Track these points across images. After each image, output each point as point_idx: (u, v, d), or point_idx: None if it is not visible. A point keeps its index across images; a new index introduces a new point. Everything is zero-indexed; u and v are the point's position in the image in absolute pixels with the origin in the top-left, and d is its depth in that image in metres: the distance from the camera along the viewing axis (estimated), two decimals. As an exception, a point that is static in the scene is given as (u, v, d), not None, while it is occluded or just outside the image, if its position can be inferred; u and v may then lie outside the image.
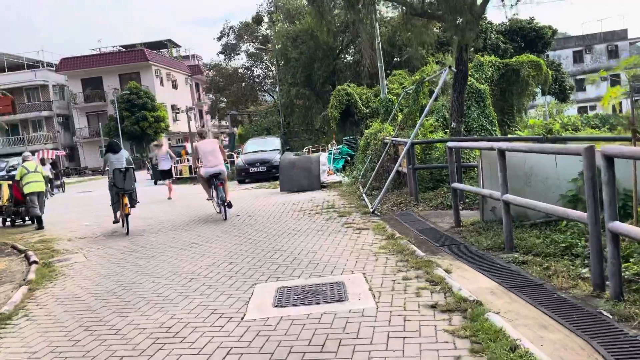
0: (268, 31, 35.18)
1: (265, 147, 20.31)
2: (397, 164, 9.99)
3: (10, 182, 13.01)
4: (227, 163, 13.80)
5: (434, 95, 10.24)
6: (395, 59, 27.35)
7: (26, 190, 12.05)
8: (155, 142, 16.84)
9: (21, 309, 5.43)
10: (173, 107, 50.99)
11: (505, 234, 6.20)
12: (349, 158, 18.50)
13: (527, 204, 5.72)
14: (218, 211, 11.17)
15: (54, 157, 34.35)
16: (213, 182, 10.87)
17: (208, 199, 11.57)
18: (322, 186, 14.84)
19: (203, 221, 10.66)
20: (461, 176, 9.45)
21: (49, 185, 25.64)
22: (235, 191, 16.80)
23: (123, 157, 10.79)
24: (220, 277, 6.09)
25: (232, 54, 38.18)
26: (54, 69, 49.48)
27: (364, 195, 11.74)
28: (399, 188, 11.83)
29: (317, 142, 24.58)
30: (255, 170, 19.09)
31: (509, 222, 6.17)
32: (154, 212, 12.87)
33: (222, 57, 38.80)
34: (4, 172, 25.52)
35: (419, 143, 11.04)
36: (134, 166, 11.03)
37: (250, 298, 5.19)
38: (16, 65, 50.50)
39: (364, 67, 24.03)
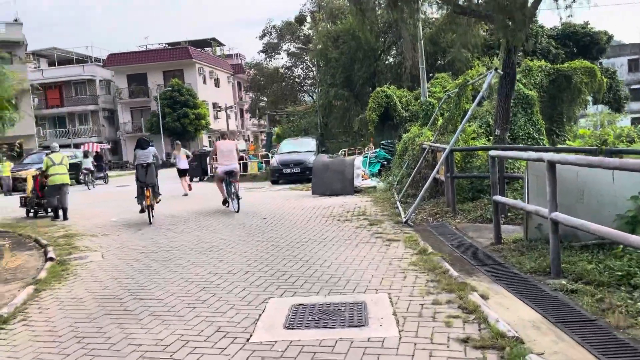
0: (310, 31, 34.85)
1: (300, 148, 19.89)
2: (435, 172, 9.34)
3: (35, 174, 13.31)
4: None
5: (477, 99, 9.52)
6: (438, 61, 26.46)
7: (50, 182, 12.28)
8: (176, 142, 17.12)
9: (21, 312, 5.13)
10: (214, 105, 51.41)
11: (552, 256, 5.49)
12: (385, 162, 17.86)
13: (580, 225, 5.01)
14: (227, 205, 12.14)
15: (99, 150, 35.13)
16: (226, 179, 11.80)
17: (224, 203, 12.25)
18: (356, 191, 14.28)
19: (228, 222, 10.29)
20: (504, 188, 8.71)
21: (89, 176, 26.38)
22: (267, 192, 16.46)
23: (150, 153, 11.48)
24: (233, 287, 5.64)
25: (273, 53, 38.06)
26: (102, 64, 50.72)
27: (397, 202, 11.12)
28: (436, 197, 11.14)
29: (354, 145, 24.00)
30: (289, 171, 18.69)
31: (557, 243, 5.46)
32: (182, 211, 12.61)
33: (263, 56, 38.79)
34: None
35: (459, 150, 10.33)
36: (160, 162, 11.78)
37: (260, 315, 4.70)
38: (66, 60, 52.15)
39: (406, 69, 23.22)
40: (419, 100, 18.40)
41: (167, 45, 53.85)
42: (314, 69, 33.71)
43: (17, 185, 23.57)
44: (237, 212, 11.39)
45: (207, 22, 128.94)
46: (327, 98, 25.18)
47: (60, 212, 12.56)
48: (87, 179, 26.32)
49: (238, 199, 11.67)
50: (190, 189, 17.10)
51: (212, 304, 5.11)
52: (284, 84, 37.00)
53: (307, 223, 9.69)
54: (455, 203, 9.58)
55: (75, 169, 28.01)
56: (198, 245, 8.10)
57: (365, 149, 20.46)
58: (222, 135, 13.98)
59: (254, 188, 18.06)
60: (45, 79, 49.50)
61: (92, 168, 27.71)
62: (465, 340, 3.88)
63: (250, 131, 63.41)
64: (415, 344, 3.90)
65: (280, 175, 18.92)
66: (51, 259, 7.43)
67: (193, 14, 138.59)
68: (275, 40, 37.85)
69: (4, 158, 19.84)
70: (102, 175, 27.91)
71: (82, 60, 52.55)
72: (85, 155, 29.31)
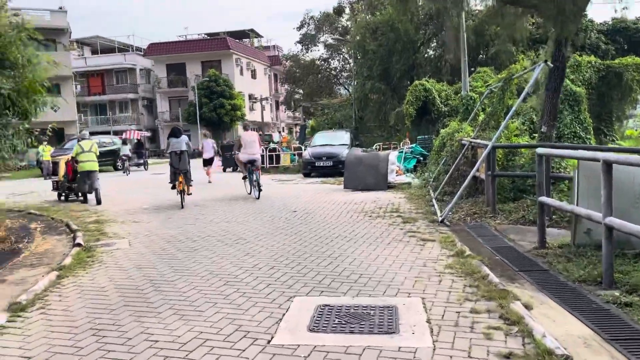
0: (348, 23, 34.30)
1: (334, 141, 19.54)
2: (475, 169, 8.86)
3: (67, 159, 13.75)
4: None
5: (523, 94, 8.96)
6: (480, 55, 25.61)
7: (79, 168, 12.87)
8: (204, 132, 17.50)
9: (40, 299, 5.00)
10: (250, 97, 51.57)
11: (605, 265, 5.01)
12: (421, 158, 17.33)
13: (638, 232, 4.53)
14: (249, 192, 13.20)
15: (140, 138, 35.78)
16: (249, 167, 12.78)
17: (243, 178, 13.73)
18: (389, 186, 13.86)
19: (257, 215, 10.08)
20: (549, 189, 8.17)
21: (126, 163, 26.90)
22: (298, 184, 16.22)
23: (182, 142, 12.04)
24: (258, 283, 5.38)
25: (310, 45, 37.66)
26: (142, 53, 51.52)
27: (433, 200, 10.67)
28: (474, 196, 10.63)
29: (390, 140, 23.50)
30: (322, 164, 18.38)
31: (610, 251, 4.98)
32: (213, 201, 12.51)
33: (299, 47, 38.46)
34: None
35: (502, 147, 9.81)
36: (191, 151, 12.46)
37: (284, 315, 4.42)
38: (109, 49, 53.22)
39: (446, 62, 22.57)
40: (459, 95, 17.76)
41: (205, 36, 54.28)
42: (350, 61, 33.22)
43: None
44: (258, 198, 12.34)
45: (246, 13, 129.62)
46: (363, 91, 24.67)
47: (92, 197, 13.04)
48: (125, 165, 27.00)
49: (259, 188, 12.58)
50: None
51: (235, 299, 4.87)
52: (319, 76, 36.59)
53: (337, 218, 9.38)
54: (495, 203, 9.08)
55: (113, 156, 28.64)
56: (225, 237, 7.90)
57: (401, 143, 19.95)
58: (245, 127, 15.09)
59: (285, 180, 17.86)
60: (88, 67, 50.70)
61: (130, 155, 28.33)
62: (507, 357, 3.50)
63: (285, 123, 63.40)
64: (451, 357, 3.55)
65: (312, 168, 18.64)
66: (79, 244, 7.36)
67: (233, 5, 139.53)
68: (313, 32, 37.42)
69: (45, 142, 20.23)
70: (142, 162, 28.66)
71: (123, 49, 53.54)
72: (124, 142, 29.96)
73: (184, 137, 12.10)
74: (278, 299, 4.87)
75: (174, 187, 11.90)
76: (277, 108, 61.55)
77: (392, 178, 14.21)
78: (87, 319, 4.47)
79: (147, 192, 15.31)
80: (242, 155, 12.84)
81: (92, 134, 40.33)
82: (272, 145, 24.20)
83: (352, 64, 30.82)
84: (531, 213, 8.34)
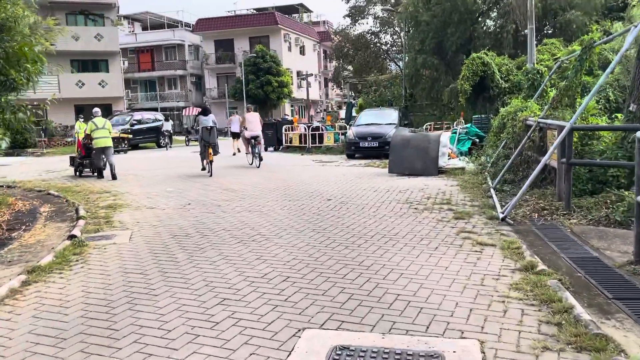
0: (400, -6, 32.11)
1: (381, 120, 17.99)
2: (548, 155, 7.23)
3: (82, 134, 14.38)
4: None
5: (613, 63, 7.18)
6: (546, 27, 23.16)
7: (95, 144, 13.25)
8: (235, 110, 17.82)
9: (-17, 317, 3.97)
10: (298, 74, 50.28)
11: None
12: (477, 140, 15.57)
13: None
14: (250, 163, 15.52)
15: (197, 114, 35.78)
16: (252, 142, 15.34)
17: (246, 153, 16.47)
18: (440, 172, 12.32)
19: (285, 204, 8.86)
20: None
21: (167, 139, 26.80)
22: (339, 167, 14.89)
23: (210, 119, 13.64)
24: (261, 304, 4.15)
25: (359, 18, 35.60)
26: (191, 29, 51.09)
27: (492, 190, 9.09)
28: (541, 186, 8.96)
29: (442, 119, 21.67)
30: (366, 145, 16.93)
31: None
32: (244, 185, 11.42)
33: (348, 21, 36.46)
34: (127, 126, 26.21)
35: (583, 129, 8.10)
36: (217, 126, 14.01)
37: (283, 362, 3.17)
38: (158, 24, 53.13)
39: (508, 33, 20.38)
40: (522, 69, 15.75)
41: (254, 11, 53.17)
42: (402, 34, 31.17)
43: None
44: (258, 167, 14.72)
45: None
46: (415, 66, 22.78)
47: (107, 173, 13.48)
48: (166, 140, 27.28)
49: (260, 158, 15.14)
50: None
51: (224, 331, 3.65)
52: (369, 51, 34.65)
53: (377, 210, 8.01)
54: (570, 197, 7.43)
55: (156, 133, 28.26)
56: (242, 232, 6.72)
57: (454, 123, 18.16)
58: (248, 109, 16.93)
59: (326, 162, 16.56)
60: (138, 43, 50.83)
61: (172, 130, 28.28)
62: None
63: (334, 101, 61.82)
64: None
65: (356, 149, 17.24)
66: (72, 236, 6.38)
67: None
68: (363, 3, 35.36)
69: (81, 119, 19.80)
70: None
71: (172, 25, 53.30)
72: (167, 118, 29.75)
73: (211, 115, 13.77)
74: (282, 332, 3.62)
75: (203, 159, 13.51)
76: (326, 85, 60.00)
77: (443, 162, 12.65)
78: (21, 355, 3.37)
79: (178, 172, 14.43)
80: (247, 132, 15.71)
81: (140, 110, 40.73)
82: (315, 124, 22.90)
83: (402, 36, 28.81)
84: (617, 212, 6.69)
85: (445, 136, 12.94)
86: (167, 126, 29.57)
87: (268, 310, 4.02)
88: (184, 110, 43.07)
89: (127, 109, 38.93)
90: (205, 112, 13.76)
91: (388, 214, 7.71)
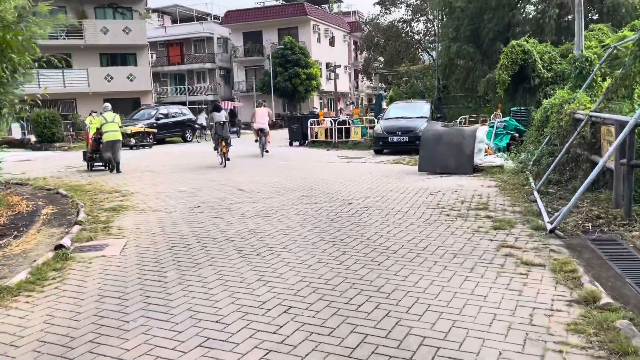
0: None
1: (411, 113, 16.93)
2: (607, 156, 6.15)
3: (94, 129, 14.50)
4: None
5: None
6: (591, 12, 21.52)
7: (104, 138, 13.46)
8: (262, 102, 19.31)
9: None
10: (328, 65, 49.26)
11: None
12: (517, 135, 14.37)
13: None
14: (262, 154, 16.97)
15: (233, 107, 35.78)
16: (260, 134, 17.05)
17: (255, 141, 17.90)
18: (475, 170, 11.27)
19: (302, 207, 8.04)
20: None
21: (201, 130, 28.28)
22: (365, 164, 13.96)
23: (223, 115, 14.91)
24: (250, 347, 3.33)
25: (390, 5, 34.19)
26: (220, 21, 50.68)
27: (535, 193, 8.04)
28: (593, 190, 7.86)
29: (477, 112, 20.42)
30: (395, 140, 15.92)
31: None
32: (261, 184, 10.66)
33: (378, 9, 35.04)
34: (152, 120, 25.85)
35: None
36: (228, 121, 15.31)
37: None
38: (188, 17, 52.97)
39: (550, 18, 18.93)
40: (568, 57, 14.43)
41: (282, 2, 52.35)
42: (435, 22, 29.81)
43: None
44: (262, 157, 16.59)
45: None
46: (448, 55, 21.49)
47: (123, 167, 13.77)
48: (198, 134, 28.28)
49: (266, 149, 17.06)
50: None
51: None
52: (400, 40, 33.28)
53: (403, 217, 7.10)
54: (631, 204, 6.35)
55: (181, 127, 27.83)
56: (247, 243, 5.93)
57: (491, 117, 16.94)
58: (259, 105, 18.34)
59: (352, 158, 15.65)
60: (168, 36, 50.75)
61: (205, 124, 29.13)
62: None
63: (365, 94, 60.57)
64: None
65: (384, 145, 16.26)
66: (60, 247, 5.70)
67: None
68: (394, -10, 33.97)
69: (94, 114, 19.44)
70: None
71: (202, 17, 53.03)
72: (199, 111, 29.97)
73: (224, 112, 15.24)
74: (269, 393, 2.79)
75: (217, 150, 14.70)
76: (356, 78, 58.79)
77: (479, 159, 11.58)
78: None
79: (197, 168, 13.80)
80: (255, 125, 17.26)
81: (169, 104, 40.57)
82: (341, 118, 21.96)
83: (436, 24, 27.47)
84: (692, 224, 5.60)
85: (481, 131, 11.85)
86: (201, 119, 29.49)
87: (258, 357, 3.19)
88: (221, 103, 42.68)
89: (155, 102, 38.80)
90: (217, 108, 15.04)
91: (416, 221, 6.78)
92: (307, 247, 5.63)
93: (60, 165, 16.72)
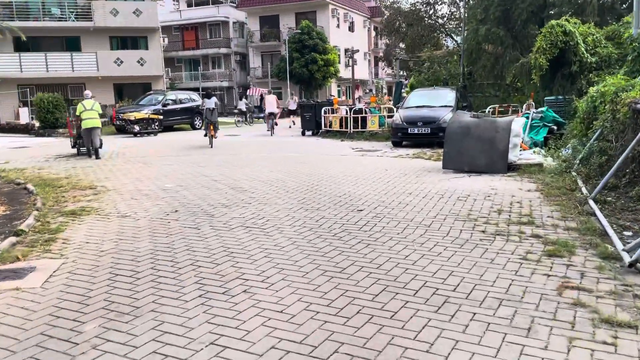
0: (461, -41, 28.48)
1: (434, 102, 15.23)
2: None
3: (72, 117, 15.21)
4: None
5: None
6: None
7: (83, 125, 13.59)
8: (292, 93, 22.07)
9: None
10: (347, 52, 47.37)
11: None
12: (555, 128, 12.62)
13: None
14: (267, 130, 21.79)
15: (262, 94, 35.05)
16: (270, 116, 21.79)
17: (267, 130, 21.91)
18: (510, 168, 9.65)
19: (299, 215, 6.54)
20: None
21: (245, 116, 30.02)
22: (382, 158, 12.41)
23: (212, 102, 16.94)
24: None
25: (413, -13, 32.11)
26: (235, 4, 49.09)
27: (591, 202, 6.41)
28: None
29: (507, 101, 18.62)
30: (416, 131, 14.28)
31: None
32: (258, 183, 9.19)
33: (400, -10, 32.94)
34: (159, 106, 24.53)
35: None
36: (218, 108, 17.69)
37: None
38: (203, 1, 51.47)
39: (593, -5, 16.94)
40: (624, 38, 12.54)
41: (301, -16, 50.34)
42: (460, 4, 27.79)
43: (126, 127, 22.36)
44: (271, 135, 20.58)
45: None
46: (475, 39, 19.57)
47: (93, 152, 13.72)
48: (243, 119, 29.82)
49: (273, 131, 21.32)
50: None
51: None
52: (423, 24, 31.25)
53: (425, 232, 5.55)
54: None
55: (190, 114, 26.45)
56: (216, 271, 4.46)
57: (524, 107, 15.15)
58: (269, 92, 23.01)
59: (367, 151, 14.08)
60: (183, 20, 49.39)
61: (244, 109, 30.55)
62: None
63: (385, 81, 58.53)
64: None
65: (403, 136, 14.64)
66: (-30, 271, 4.32)
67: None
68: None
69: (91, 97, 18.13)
70: (262, 116, 29.54)
71: (217, 1, 51.50)
72: (241, 97, 33.54)
73: (214, 99, 17.21)
74: None
75: (206, 135, 16.65)
76: (377, 65, 56.76)
77: (514, 156, 9.92)
78: None
79: (196, 159, 12.41)
80: (267, 109, 22.40)
81: (182, 89, 39.27)
82: (358, 106, 20.32)
83: (462, 6, 25.45)
84: None
85: (517, 123, 10.16)
86: (241, 105, 30.64)
87: None
88: (248, 90, 41.25)
89: (167, 88, 37.51)
90: (209, 96, 17.37)
91: (442, 241, 5.23)
92: (294, 282, 4.14)
93: (52, 152, 15.58)
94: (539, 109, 13.21)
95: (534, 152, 11.06)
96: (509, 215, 6.25)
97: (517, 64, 16.42)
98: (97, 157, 13.48)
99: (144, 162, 12.58)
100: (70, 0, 32.18)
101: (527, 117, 12.77)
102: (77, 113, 13.90)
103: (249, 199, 7.54)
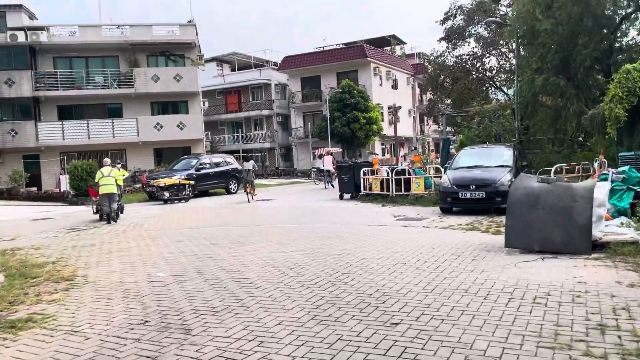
0: (508, 9, 26.95)
1: (488, 162, 13.21)
2: None
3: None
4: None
5: None
6: None
7: (100, 191, 14.37)
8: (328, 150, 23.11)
9: None
10: (389, 108, 46.20)
11: None
12: (639, 190, 10.28)
13: None
14: (325, 187, 25.50)
15: (331, 154, 33.31)
16: (325, 173, 26.83)
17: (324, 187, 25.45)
18: (594, 246, 7.45)
19: (315, 323, 4.63)
20: None
21: (249, 176, 27.03)
22: (428, 229, 10.38)
23: (250, 163, 21.17)
24: None
25: (458, 40, 30.62)
26: (277, 67, 49.40)
27: None
28: None
29: (571, 158, 16.34)
30: (468, 195, 12.24)
31: None
32: (274, 265, 7.39)
33: (444, 44, 31.52)
34: (192, 171, 23.56)
35: None
36: (256, 169, 21.58)
37: None
38: (246, 65, 52.27)
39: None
40: None
41: (342, 46, 50.43)
42: (510, 56, 26.01)
43: (156, 194, 21.39)
44: (326, 189, 24.63)
45: (389, 20, 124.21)
46: (531, 90, 17.57)
47: (112, 217, 14.22)
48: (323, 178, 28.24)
49: (331, 184, 25.45)
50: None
51: None
52: (470, 77, 29.50)
53: (496, 381, 3.52)
54: None
55: (225, 177, 25.29)
56: None
57: (596, 165, 12.87)
58: (328, 153, 26.69)
59: (411, 219, 12.11)
60: (226, 84, 50.03)
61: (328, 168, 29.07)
62: None
63: (431, 138, 56.69)
64: None
65: (453, 202, 12.61)
66: None
67: (375, 12, 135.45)
68: (462, 24, 30.41)
69: (118, 165, 17.29)
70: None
71: (259, 64, 52.15)
72: (319, 157, 31.34)
73: (252, 161, 21.28)
74: None
75: (244, 190, 20.08)
76: (422, 121, 55.21)
77: (599, 231, 7.73)
78: None
79: (214, 234, 10.80)
80: (323, 166, 26.93)
81: (225, 152, 38.75)
82: (401, 166, 18.48)
83: (513, 56, 23.64)
84: None
85: (601, 190, 8.02)
86: (249, 165, 27.11)
87: None
88: (317, 150, 39.97)
89: (208, 151, 37.07)
90: (247, 159, 21.25)
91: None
92: None
93: (69, 223, 14.64)
94: (619, 169, 10.92)
95: (622, 223, 8.75)
96: (619, 337, 4.13)
97: (585, 116, 14.26)
98: (115, 220, 14.25)
99: (153, 238, 11.11)
100: (113, 68, 32.73)
101: (605, 179, 10.51)
102: (96, 180, 14.74)
103: (249, 300, 5.71)
